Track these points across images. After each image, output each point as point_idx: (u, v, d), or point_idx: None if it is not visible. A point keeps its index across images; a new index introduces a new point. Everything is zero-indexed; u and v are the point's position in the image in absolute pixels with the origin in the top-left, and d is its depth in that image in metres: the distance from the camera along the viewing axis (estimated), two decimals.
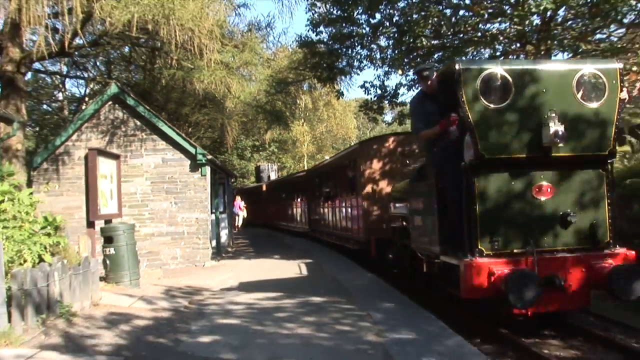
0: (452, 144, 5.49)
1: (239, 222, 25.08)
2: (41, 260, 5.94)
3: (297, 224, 20.99)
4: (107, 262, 8.36)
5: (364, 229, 10.91)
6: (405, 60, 11.36)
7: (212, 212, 13.12)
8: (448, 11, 10.46)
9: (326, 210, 15.45)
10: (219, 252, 14.12)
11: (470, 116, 5.02)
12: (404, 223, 7.86)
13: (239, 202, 24.99)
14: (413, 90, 12.93)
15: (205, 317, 6.43)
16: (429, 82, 5.75)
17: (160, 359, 4.70)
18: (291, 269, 10.80)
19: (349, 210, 12.43)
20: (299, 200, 20.77)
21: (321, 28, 12.58)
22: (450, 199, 5.45)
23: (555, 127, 4.94)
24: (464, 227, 5.17)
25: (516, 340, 5.43)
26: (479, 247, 5.06)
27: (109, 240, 8.49)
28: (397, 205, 8.17)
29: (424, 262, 6.62)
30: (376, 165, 11.05)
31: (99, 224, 9.00)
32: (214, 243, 13.29)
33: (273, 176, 31.40)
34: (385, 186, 10.71)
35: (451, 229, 5.45)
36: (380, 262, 9.89)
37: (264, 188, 29.11)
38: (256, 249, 16.59)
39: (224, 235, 16.00)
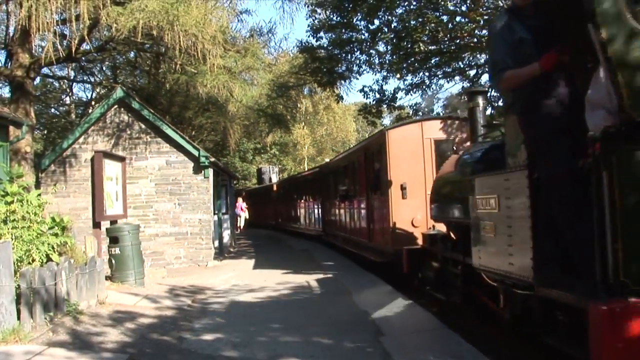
0: (561, 104, 3.31)
1: (241, 223, 25.23)
2: (49, 259, 5.99)
3: (309, 227, 19.19)
4: (113, 261, 8.51)
5: (392, 237, 8.82)
6: (403, 65, 11.52)
7: (214, 213, 13.31)
8: (445, 17, 10.62)
9: (342, 211, 13.45)
10: (222, 252, 14.32)
11: (608, 50, 2.74)
12: (451, 232, 6.06)
13: (241, 204, 25.20)
14: (411, 95, 13.07)
15: (208, 316, 6.54)
16: None
17: (165, 356, 4.75)
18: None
19: (372, 212, 10.36)
20: (311, 200, 19.03)
21: (321, 34, 12.79)
22: (560, 194, 3.27)
23: None
24: (592, 242, 2.94)
25: None
26: (621, 278, 2.80)
27: (114, 240, 8.65)
28: (440, 205, 6.21)
29: (500, 292, 4.30)
30: (409, 156, 9.00)
31: (105, 225, 9.17)
32: (216, 243, 13.47)
33: (274, 178, 31.32)
34: (420, 182, 8.82)
35: (558, 245, 3.32)
36: (411, 279, 7.55)
37: (275, 188, 27.41)
38: (257, 249, 16.64)
39: (226, 235, 16.17)
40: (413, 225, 8.66)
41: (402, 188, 8.89)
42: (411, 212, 8.77)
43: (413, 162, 8.99)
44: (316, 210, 17.88)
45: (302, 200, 20.78)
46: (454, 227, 5.88)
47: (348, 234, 12.80)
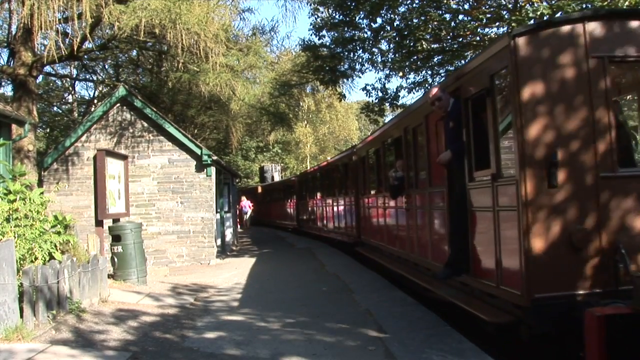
0: None
1: (247, 219, 26.67)
2: (51, 257, 6.00)
3: (337, 231, 14.62)
4: (115, 259, 8.54)
5: (527, 272, 4.05)
6: (406, 63, 11.51)
7: (217, 212, 13.31)
8: (448, 16, 10.60)
9: (390, 213, 8.56)
10: (224, 251, 14.34)
11: None
12: None
13: (247, 202, 26.39)
14: (414, 93, 13.06)
15: (210, 314, 6.55)
16: None
17: (167, 355, 4.75)
18: None
19: (465, 215, 5.21)
20: (343, 195, 13.73)
21: (324, 32, 12.81)
22: None
23: None
24: None
25: None
26: None
27: (117, 238, 8.69)
28: None
29: None
30: (561, 95, 4.15)
31: (107, 223, 9.18)
32: (218, 242, 13.49)
33: (277, 177, 31.37)
34: (588, 151, 4.12)
35: None
36: None
37: (296, 183, 22.44)
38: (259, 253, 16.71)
39: (228, 234, 16.20)
40: (573, 245, 4.06)
41: (551, 164, 4.06)
42: (569, 215, 4.11)
43: (570, 109, 4.17)
44: (347, 208, 13.01)
45: (331, 196, 15.65)
46: None
47: (406, 249, 7.59)
